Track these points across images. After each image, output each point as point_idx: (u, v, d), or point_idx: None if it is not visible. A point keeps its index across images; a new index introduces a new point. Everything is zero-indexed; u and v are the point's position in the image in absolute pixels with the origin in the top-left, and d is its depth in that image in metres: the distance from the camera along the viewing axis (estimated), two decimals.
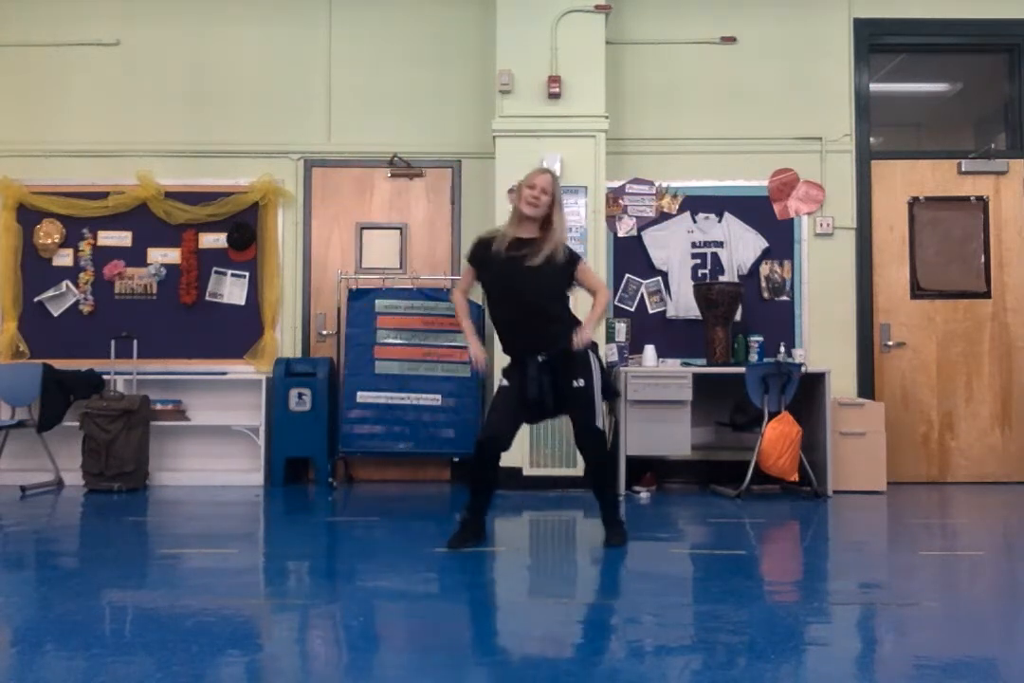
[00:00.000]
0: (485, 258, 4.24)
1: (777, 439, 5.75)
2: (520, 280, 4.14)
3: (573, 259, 4.27)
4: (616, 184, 6.59)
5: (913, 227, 6.72)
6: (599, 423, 4.17)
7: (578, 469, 6.08)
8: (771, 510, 5.50)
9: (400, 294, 6.42)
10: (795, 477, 5.86)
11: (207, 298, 6.73)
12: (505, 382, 4.22)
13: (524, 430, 5.99)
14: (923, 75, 7.33)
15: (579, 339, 4.11)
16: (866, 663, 2.71)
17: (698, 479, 6.45)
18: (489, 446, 4.14)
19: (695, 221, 6.64)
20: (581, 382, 4.13)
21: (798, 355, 6.34)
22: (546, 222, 4.21)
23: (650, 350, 6.29)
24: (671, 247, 6.63)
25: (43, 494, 6.01)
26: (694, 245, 6.64)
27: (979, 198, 6.72)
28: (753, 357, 6.32)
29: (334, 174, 6.82)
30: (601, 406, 4.20)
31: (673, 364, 6.34)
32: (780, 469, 5.80)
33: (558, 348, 4.11)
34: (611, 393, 4.37)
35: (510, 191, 6.20)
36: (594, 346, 4.23)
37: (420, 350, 6.32)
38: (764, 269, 6.63)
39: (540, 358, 4.10)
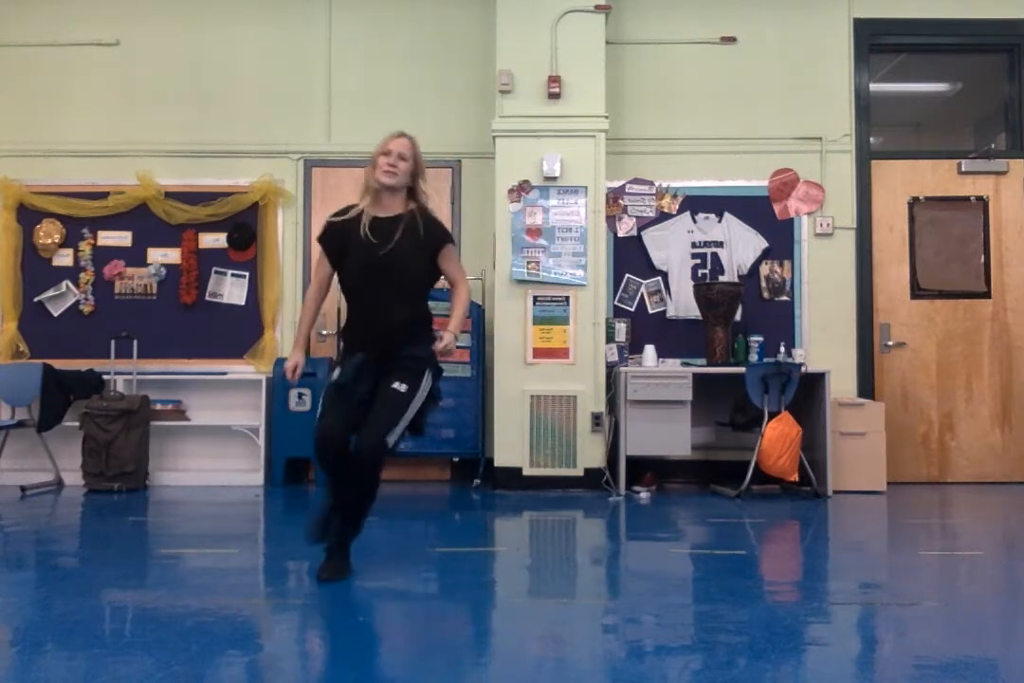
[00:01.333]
0: (341, 242, 3.68)
1: (777, 439, 5.75)
2: (379, 270, 3.59)
3: (439, 239, 3.70)
4: (616, 184, 6.59)
5: (913, 227, 6.72)
6: (391, 438, 3.48)
7: (578, 469, 6.08)
8: (771, 510, 5.50)
9: None
10: (795, 477, 5.86)
11: (207, 298, 6.73)
12: (335, 376, 3.60)
13: (524, 430, 6.05)
14: (923, 75, 7.33)
15: (443, 346, 3.57)
16: (866, 663, 2.71)
17: (698, 479, 6.45)
18: (329, 446, 3.48)
19: (695, 221, 6.64)
20: (403, 387, 3.52)
21: (798, 355, 6.34)
22: (410, 195, 3.69)
23: (650, 350, 6.29)
24: (671, 247, 6.63)
25: (43, 494, 6.01)
26: (694, 245, 6.64)
27: (979, 198, 6.72)
28: (753, 357, 6.32)
29: (334, 174, 6.82)
30: (405, 422, 3.53)
31: (673, 364, 6.34)
32: (780, 469, 5.80)
33: (402, 352, 3.58)
34: (419, 422, 3.66)
35: (510, 191, 6.22)
36: (438, 370, 3.68)
37: None
38: (764, 269, 6.62)
39: (371, 354, 3.57)
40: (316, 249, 6.70)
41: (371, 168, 3.68)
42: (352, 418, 3.52)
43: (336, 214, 3.76)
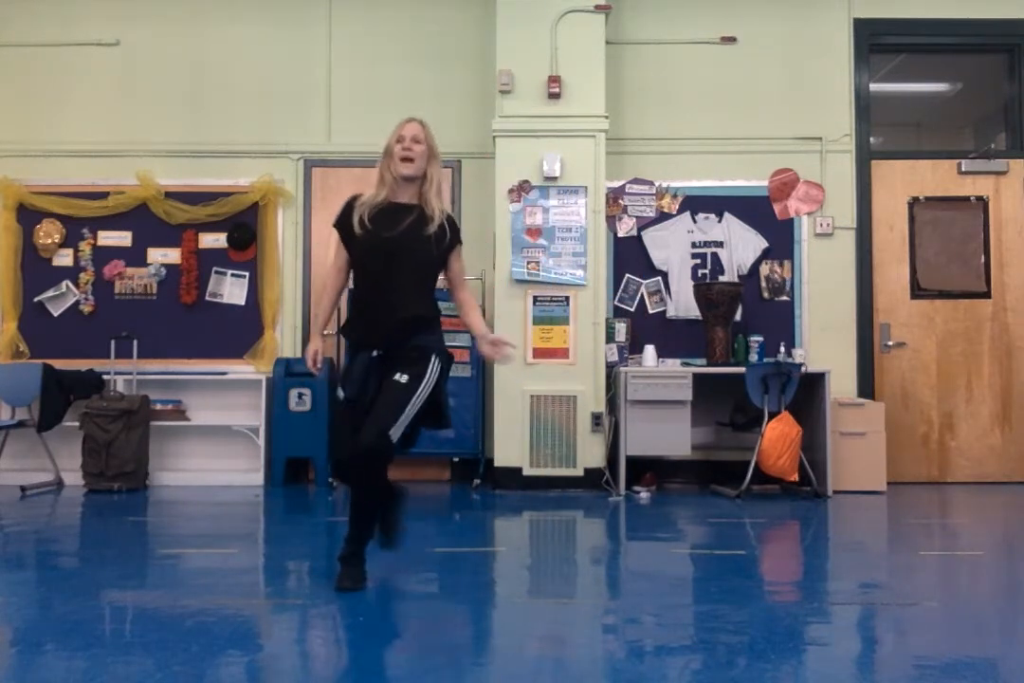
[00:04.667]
0: (353, 225, 3.50)
1: (777, 439, 5.75)
2: (390, 256, 3.43)
3: (455, 236, 3.55)
4: (616, 184, 6.59)
5: (913, 227, 6.72)
6: (393, 432, 3.30)
7: (578, 469, 6.08)
8: (771, 510, 5.50)
9: None
10: (795, 477, 5.86)
11: (207, 298, 6.73)
12: (341, 393, 3.49)
13: (523, 430, 6.05)
14: (923, 75, 7.33)
15: (503, 352, 3.47)
16: (866, 663, 2.71)
17: (698, 479, 6.45)
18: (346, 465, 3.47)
19: (695, 221, 6.64)
20: (404, 378, 3.36)
21: (798, 355, 6.34)
22: (424, 183, 3.54)
23: (650, 350, 6.29)
24: (671, 247, 6.63)
25: (43, 494, 6.01)
26: (694, 245, 6.64)
27: (979, 198, 6.72)
28: (753, 357, 6.32)
29: (334, 174, 6.82)
30: (409, 415, 3.35)
31: (673, 364, 6.34)
32: (780, 469, 5.80)
33: (408, 344, 3.43)
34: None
35: (510, 191, 6.22)
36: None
37: None
38: (764, 269, 6.62)
39: (375, 353, 3.45)
40: (316, 249, 6.79)
41: (386, 160, 3.56)
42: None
43: (353, 198, 3.60)
